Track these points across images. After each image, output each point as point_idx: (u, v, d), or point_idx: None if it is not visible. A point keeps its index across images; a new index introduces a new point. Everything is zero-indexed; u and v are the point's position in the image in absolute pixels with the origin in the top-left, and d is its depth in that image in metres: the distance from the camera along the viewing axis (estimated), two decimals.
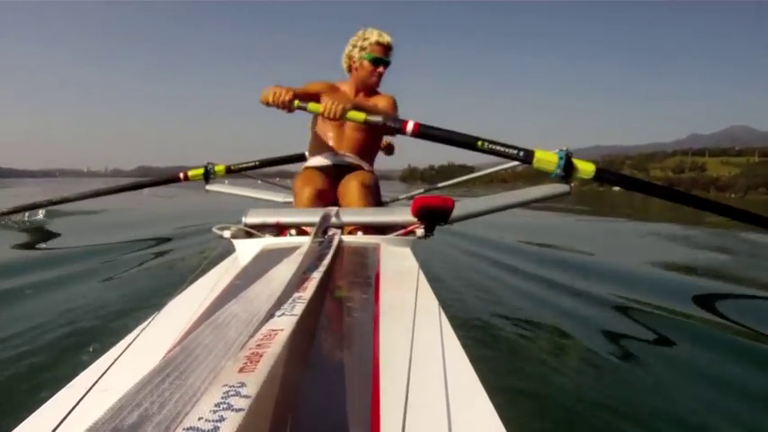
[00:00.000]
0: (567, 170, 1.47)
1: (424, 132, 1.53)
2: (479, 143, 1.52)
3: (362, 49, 1.89)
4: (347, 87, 1.98)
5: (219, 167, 2.67)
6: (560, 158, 1.46)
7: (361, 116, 1.57)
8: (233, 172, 2.71)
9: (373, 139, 1.96)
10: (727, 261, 3.22)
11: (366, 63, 1.89)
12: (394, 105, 1.98)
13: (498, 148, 1.52)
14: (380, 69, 1.89)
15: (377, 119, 1.55)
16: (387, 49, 1.90)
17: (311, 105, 1.59)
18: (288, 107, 1.59)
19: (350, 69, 1.98)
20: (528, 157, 1.49)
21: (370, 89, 1.97)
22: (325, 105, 1.56)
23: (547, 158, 1.47)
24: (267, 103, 1.58)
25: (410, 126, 1.51)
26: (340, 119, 1.59)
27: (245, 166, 2.72)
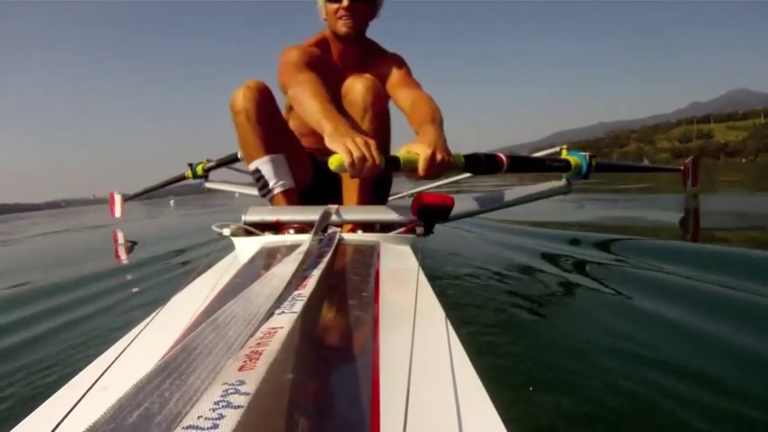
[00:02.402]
0: (589, 171, 1.64)
1: (515, 167, 1.31)
2: (522, 160, 1.49)
3: None
4: (332, 49, 1.46)
5: (199, 167, 3.00)
6: (585, 161, 1.64)
7: (461, 159, 1.15)
8: (213, 168, 3.00)
9: (384, 123, 1.46)
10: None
11: (326, 4, 1.38)
12: (406, 69, 1.46)
13: (537, 158, 1.69)
14: (344, 4, 1.33)
15: (475, 161, 1.16)
16: None
17: (404, 159, 1.06)
18: (377, 171, 1.01)
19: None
20: (566, 165, 1.62)
21: (353, 42, 1.43)
22: (425, 161, 1.03)
23: (578, 163, 1.63)
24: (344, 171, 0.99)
25: (505, 161, 1.24)
26: (440, 176, 1.08)
27: (223, 160, 2.94)
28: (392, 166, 1.06)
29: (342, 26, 1.38)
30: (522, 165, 1.44)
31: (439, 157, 1.05)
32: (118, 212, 4.63)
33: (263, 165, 1.41)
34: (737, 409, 0.83)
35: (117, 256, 3.16)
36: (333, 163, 0.99)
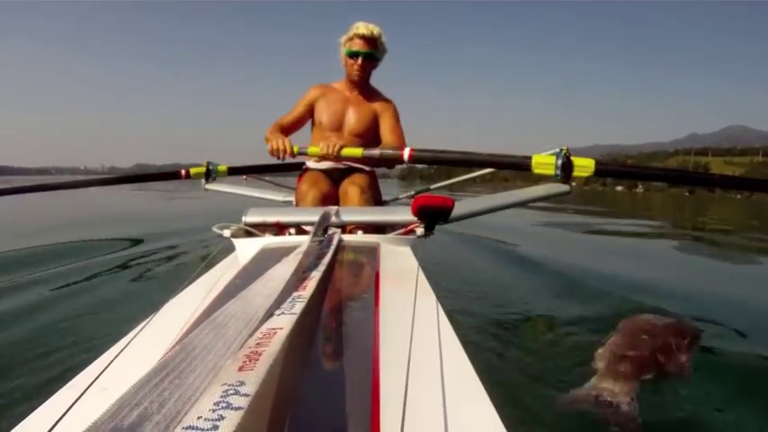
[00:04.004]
0: (567, 170, 1.42)
1: (418, 157, 1.54)
2: (476, 158, 1.51)
3: (344, 44, 1.85)
4: (341, 86, 1.96)
5: (221, 167, 2.73)
6: (557, 159, 1.41)
7: (357, 152, 1.62)
8: (234, 173, 2.77)
9: (373, 140, 1.93)
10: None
11: (346, 58, 1.85)
12: (394, 113, 1.95)
13: (495, 159, 1.51)
14: (359, 62, 1.82)
15: (374, 152, 1.59)
16: (368, 41, 1.81)
17: (310, 150, 1.68)
18: (291, 155, 1.70)
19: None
20: (526, 163, 1.46)
21: (360, 85, 1.92)
22: (322, 148, 1.63)
23: (544, 161, 1.42)
24: (272, 154, 1.68)
25: (406, 154, 1.54)
26: (338, 157, 1.64)
27: (245, 167, 2.78)
28: (302, 155, 1.69)
29: (354, 75, 1.86)
30: (438, 158, 1.55)
31: (331, 148, 1.60)
32: None
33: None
34: None
35: None
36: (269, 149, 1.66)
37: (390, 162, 1.63)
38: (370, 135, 1.91)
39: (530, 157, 1.44)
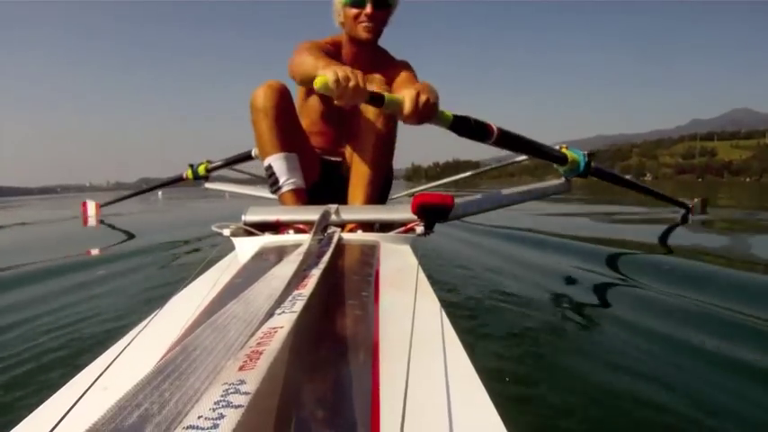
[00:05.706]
0: (587, 168, 1.68)
1: (504, 140, 1.28)
2: (541, 148, 1.57)
3: None
4: (344, 51, 1.47)
5: (201, 167, 3.09)
6: (583, 159, 1.68)
7: (449, 115, 1.15)
8: (213, 169, 3.09)
9: (387, 145, 1.48)
10: None
11: (346, 9, 1.38)
12: (412, 73, 1.50)
13: (547, 151, 1.65)
14: (368, 11, 1.34)
15: (466, 119, 1.16)
16: None
17: (389, 97, 1.06)
18: (362, 96, 1.01)
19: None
20: (564, 159, 1.64)
21: (370, 49, 1.45)
22: (411, 99, 1.03)
23: (573, 156, 1.65)
24: (335, 88, 0.99)
25: (495, 130, 1.22)
26: (427, 120, 1.08)
27: (221, 164, 3.03)
28: (377, 101, 1.05)
29: (362, 31, 1.39)
30: (513, 142, 1.36)
31: (424, 97, 1.05)
32: (92, 221, 4.46)
33: (276, 161, 1.44)
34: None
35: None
36: (318, 82, 1.00)
37: (477, 136, 1.19)
38: (386, 122, 1.44)
39: (565, 155, 1.64)
